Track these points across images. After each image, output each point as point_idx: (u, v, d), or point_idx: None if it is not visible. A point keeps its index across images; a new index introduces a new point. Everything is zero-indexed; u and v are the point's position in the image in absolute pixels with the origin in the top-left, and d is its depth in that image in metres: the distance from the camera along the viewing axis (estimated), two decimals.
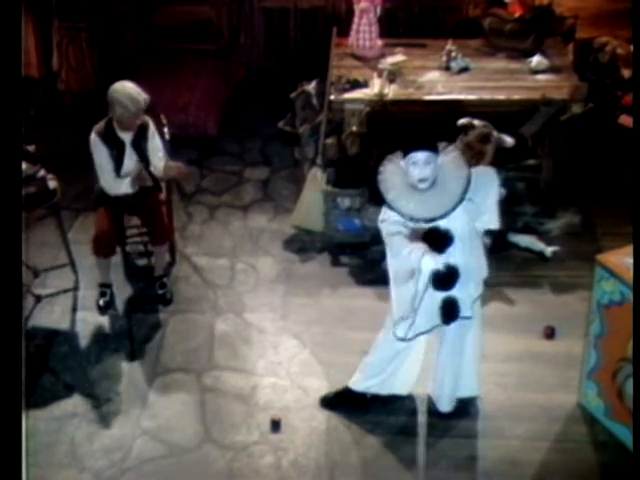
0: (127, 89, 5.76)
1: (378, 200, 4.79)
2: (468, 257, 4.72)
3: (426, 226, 4.58)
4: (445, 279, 4.61)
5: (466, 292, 4.81)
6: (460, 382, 5.19)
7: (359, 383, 5.29)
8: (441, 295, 4.74)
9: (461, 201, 4.55)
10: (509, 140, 6.30)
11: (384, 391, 5.27)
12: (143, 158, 5.93)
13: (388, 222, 4.64)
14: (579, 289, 5.95)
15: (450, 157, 4.64)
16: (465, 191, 4.55)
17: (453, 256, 4.64)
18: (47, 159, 6.10)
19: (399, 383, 5.26)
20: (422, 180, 4.55)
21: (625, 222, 5.50)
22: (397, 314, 4.86)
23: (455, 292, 4.74)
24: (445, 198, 4.55)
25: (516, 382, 5.50)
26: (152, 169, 5.93)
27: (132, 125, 5.85)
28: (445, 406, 5.25)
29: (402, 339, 4.89)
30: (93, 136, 5.87)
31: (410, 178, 4.57)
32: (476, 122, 6.19)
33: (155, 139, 5.98)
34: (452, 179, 4.58)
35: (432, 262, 4.48)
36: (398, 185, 4.60)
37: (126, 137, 5.88)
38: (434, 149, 4.59)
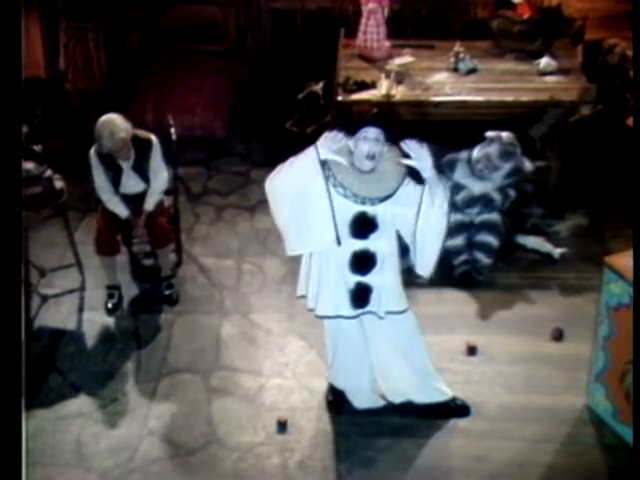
0: (106, 124, 5.62)
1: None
2: (390, 249, 4.76)
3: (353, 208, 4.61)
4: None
5: (388, 283, 4.80)
6: (424, 388, 5.18)
7: (333, 380, 5.30)
8: (354, 279, 4.76)
9: (395, 191, 4.59)
10: (528, 165, 6.22)
11: (360, 405, 5.26)
12: (144, 179, 5.92)
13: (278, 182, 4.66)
14: (587, 291, 5.94)
15: (393, 154, 4.65)
16: (400, 185, 4.60)
17: (375, 243, 4.69)
18: (54, 159, 6.09)
19: (369, 396, 5.25)
20: (370, 157, 4.55)
21: None
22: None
23: (373, 279, 4.76)
24: (384, 183, 4.61)
25: (524, 384, 5.48)
26: (146, 206, 5.94)
27: (121, 154, 5.77)
28: (394, 397, 5.24)
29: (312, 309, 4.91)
30: (92, 153, 5.81)
31: (357, 153, 4.57)
32: (504, 135, 6.10)
33: (158, 159, 5.90)
34: (391, 170, 4.62)
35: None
36: (342, 157, 4.61)
37: (124, 164, 5.84)
38: (384, 130, 4.61)
